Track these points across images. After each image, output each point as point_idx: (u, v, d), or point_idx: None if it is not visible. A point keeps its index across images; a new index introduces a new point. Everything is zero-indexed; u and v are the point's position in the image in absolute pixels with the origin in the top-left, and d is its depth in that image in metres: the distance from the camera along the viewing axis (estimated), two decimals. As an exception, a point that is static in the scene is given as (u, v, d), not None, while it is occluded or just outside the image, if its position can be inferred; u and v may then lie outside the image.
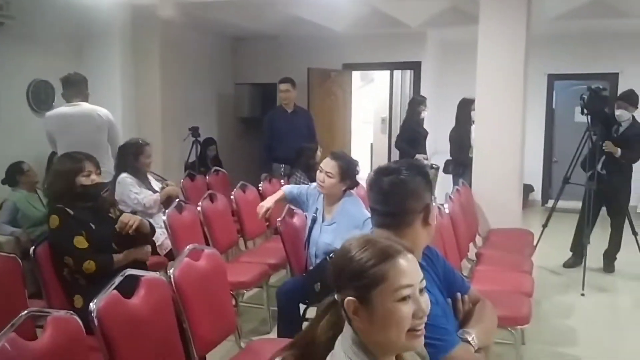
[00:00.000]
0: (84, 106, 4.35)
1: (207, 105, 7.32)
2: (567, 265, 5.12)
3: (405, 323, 1.18)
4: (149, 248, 3.11)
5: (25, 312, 1.83)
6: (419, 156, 6.04)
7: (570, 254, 5.15)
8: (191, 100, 6.69)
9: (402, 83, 8.86)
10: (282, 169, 5.35)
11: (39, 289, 2.79)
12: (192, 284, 2.38)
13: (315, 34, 7.12)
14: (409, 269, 1.21)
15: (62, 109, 4.37)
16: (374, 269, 1.19)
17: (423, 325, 1.22)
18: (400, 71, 8.56)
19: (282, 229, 3.36)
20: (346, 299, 1.21)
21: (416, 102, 6.37)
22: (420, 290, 1.22)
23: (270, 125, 5.77)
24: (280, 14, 5.84)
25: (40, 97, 5.31)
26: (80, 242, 2.72)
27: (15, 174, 4.53)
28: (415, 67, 7.51)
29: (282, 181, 5.05)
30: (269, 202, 3.51)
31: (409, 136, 6.26)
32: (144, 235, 2.99)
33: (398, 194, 1.71)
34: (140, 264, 2.92)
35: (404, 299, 1.18)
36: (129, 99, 5.77)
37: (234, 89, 7.80)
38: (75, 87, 4.36)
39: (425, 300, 1.22)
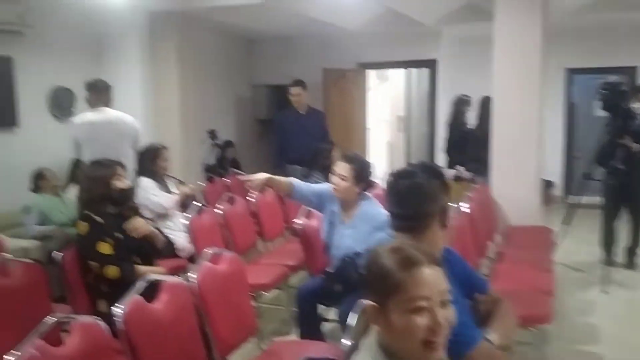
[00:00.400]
0: (110, 112, 4.43)
1: (224, 108, 7.37)
2: (606, 262, 4.90)
3: (418, 334, 1.18)
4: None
5: (51, 318, 1.87)
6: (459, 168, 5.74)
7: (601, 250, 5.02)
8: (209, 103, 6.76)
9: (419, 81, 8.84)
10: (299, 171, 5.37)
11: (64, 293, 2.86)
12: (213, 287, 2.42)
13: (330, 34, 7.14)
14: (429, 280, 1.21)
15: (88, 115, 4.45)
16: (393, 276, 1.21)
17: (442, 338, 1.21)
18: (416, 69, 8.54)
19: (300, 230, 3.38)
20: (367, 304, 1.23)
21: (461, 102, 5.98)
22: (443, 303, 1.21)
23: (282, 127, 5.81)
24: (294, 15, 5.86)
25: (60, 103, 5.42)
26: (105, 248, 2.78)
27: (38, 180, 4.63)
28: (431, 65, 7.48)
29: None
30: (258, 178, 3.31)
31: (457, 140, 5.88)
32: (157, 250, 3.05)
33: (415, 197, 1.73)
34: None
35: (418, 310, 1.18)
36: (148, 103, 5.85)
37: (251, 91, 7.85)
38: (100, 93, 4.45)
39: (446, 314, 1.21)
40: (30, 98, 5.13)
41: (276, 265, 3.91)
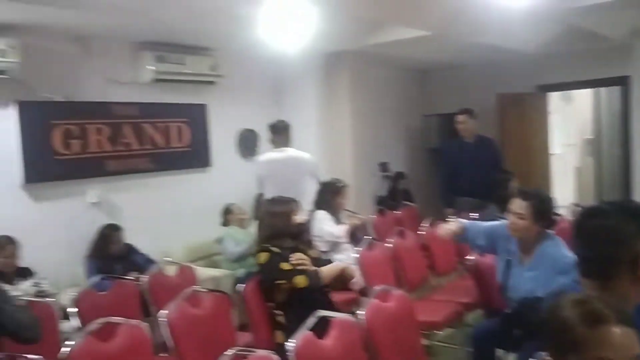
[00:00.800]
0: (291, 152, 4.78)
1: (395, 139, 7.43)
2: None
3: None
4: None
5: (232, 350, 2.02)
6: None
7: None
8: (380, 136, 6.87)
9: (609, 100, 8.03)
10: (470, 203, 5.16)
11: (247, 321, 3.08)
12: (382, 325, 2.41)
13: (505, 59, 6.83)
14: (616, 341, 1.07)
15: (272, 154, 4.83)
16: (574, 332, 1.09)
17: None
18: (605, 88, 7.78)
19: (473, 267, 3.24)
20: (544, 356, 1.13)
21: None
22: None
23: (448, 157, 5.67)
24: (467, 43, 5.74)
25: (246, 144, 5.94)
26: (286, 266, 2.97)
27: (226, 214, 5.09)
28: (622, 82, 6.75)
29: (471, 215, 4.87)
30: (449, 228, 3.28)
31: None
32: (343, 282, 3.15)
33: (602, 240, 1.55)
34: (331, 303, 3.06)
35: None
36: (323, 139, 6.13)
37: (422, 121, 7.81)
38: (282, 133, 4.82)
39: None
40: (221, 140, 5.69)
41: (449, 302, 3.78)
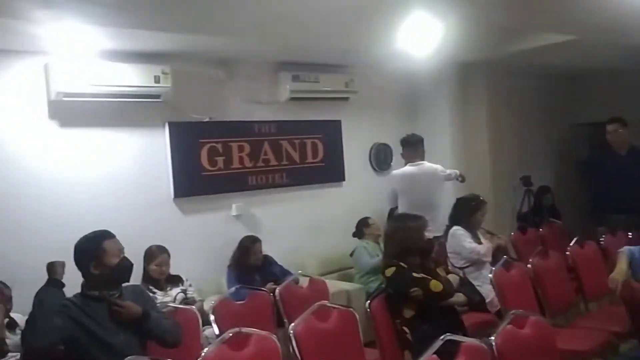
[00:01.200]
0: (425, 165, 4.72)
1: (539, 151, 6.97)
2: None
3: None
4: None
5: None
6: None
7: None
8: (522, 148, 6.50)
9: None
10: (624, 220, 4.66)
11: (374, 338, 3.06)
12: (514, 353, 2.26)
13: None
14: None
15: (406, 168, 4.80)
16: None
17: None
18: None
19: (626, 295, 2.91)
20: None
21: None
22: None
23: (598, 170, 5.20)
24: (619, 46, 5.23)
25: (380, 157, 5.94)
26: (418, 274, 2.95)
27: (362, 227, 5.10)
28: None
29: (629, 234, 4.41)
30: (619, 272, 3.06)
31: None
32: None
33: None
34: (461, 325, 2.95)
35: None
36: (459, 152, 5.94)
37: (569, 131, 7.25)
38: (414, 147, 4.78)
39: None
40: (354, 155, 5.76)
41: (598, 330, 3.43)
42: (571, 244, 4.07)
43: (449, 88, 5.96)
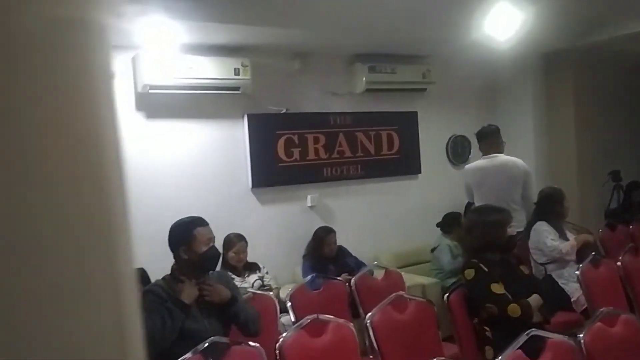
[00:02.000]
0: (500, 158, 4.48)
1: (630, 145, 6.57)
2: None
3: None
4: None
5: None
6: None
7: None
8: (611, 141, 6.15)
9: None
10: None
11: (452, 333, 2.98)
12: (605, 351, 2.14)
13: None
14: None
15: (479, 161, 4.63)
16: None
17: None
18: None
19: None
20: None
21: None
22: None
23: None
24: None
25: (457, 150, 5.80)
26: (497, 288, 2.78)
27: (453, 224, 4.91)
28: None
29: None
30: None
31: None
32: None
33: None
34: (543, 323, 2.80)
35: None
36: (542, 146, 5.70)
37: (664, 123, 6.78)
38: (489, 139, 4.56)
39: None
40: (430, 147, 5.64)
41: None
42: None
43: (531, 79, 5.72)
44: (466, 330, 2.89)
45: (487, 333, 2.79)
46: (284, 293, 3.71)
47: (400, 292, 2.84)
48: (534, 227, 4.11)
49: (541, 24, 4.04)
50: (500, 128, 4.64)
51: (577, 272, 3.42)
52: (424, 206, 5.21)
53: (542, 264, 4.04)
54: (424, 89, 5.44)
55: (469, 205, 4.88)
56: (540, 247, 4.03)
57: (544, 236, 4.01)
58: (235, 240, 4.09)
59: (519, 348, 2.04)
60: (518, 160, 4.47)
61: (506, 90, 5.89)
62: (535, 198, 4.27)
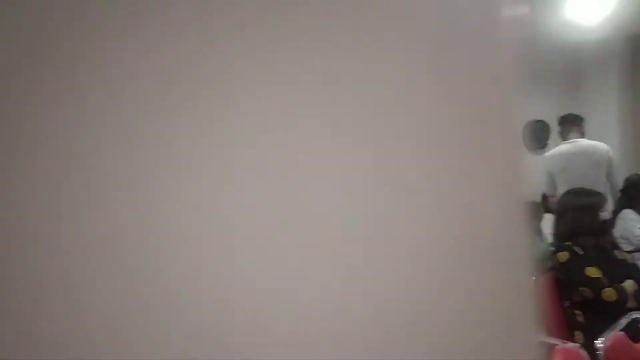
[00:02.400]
0: (582, 142, 4.34)
1: None
2: None
3: None
4: None
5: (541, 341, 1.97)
6: None
7: None
8: None
9: None
10: None
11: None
12: None
13: None
14: None
15: (560, 147, 4.48)
16: None
17: None
18: None
19: None
20: None
21: None
22: None
23: None
24: None
25: (536, 136, 5.65)
26: (593, 272, 2.73)
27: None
28: None
29: None
30: None
31: None
32: None
33: None
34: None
35: None
36: (627, 133, 5.50)
37: None
38: (570, 123, 4.44)
39: None
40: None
41: None
42: None
43: (618, 63, 5.51)
44: (555, 314, 2.86)
45: (578, 317, 2.77)
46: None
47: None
48: (620, 215, 4.02)
49: (628, 4, 3.89)
50: (582, 115, 4.51)
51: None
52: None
53: (628, 252, 3.93)
54: (503, 73, 5.34)
55: (544, 196, 4.72)
56: (627, 236, 3.93)
57: (632, 225, 3.93)
58: None
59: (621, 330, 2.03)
60: (601, 145, 4.31)
61: (589, 74, 5.71)
62: (620, 185, 4.15)
